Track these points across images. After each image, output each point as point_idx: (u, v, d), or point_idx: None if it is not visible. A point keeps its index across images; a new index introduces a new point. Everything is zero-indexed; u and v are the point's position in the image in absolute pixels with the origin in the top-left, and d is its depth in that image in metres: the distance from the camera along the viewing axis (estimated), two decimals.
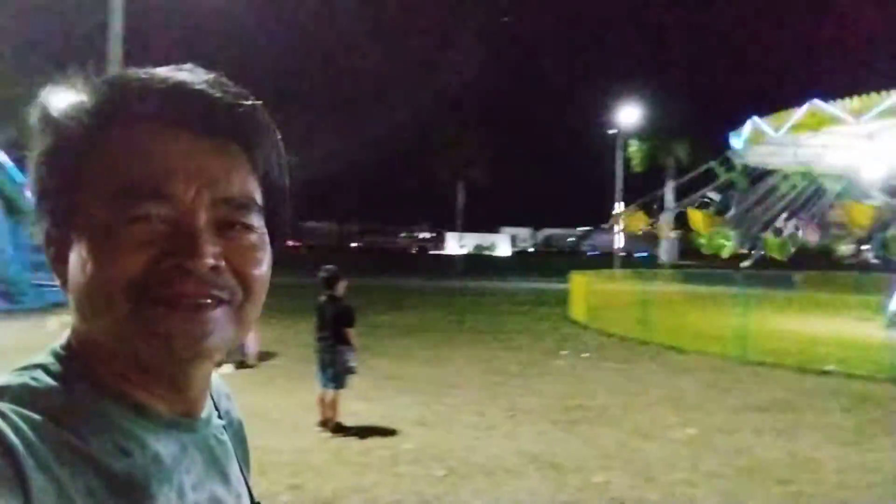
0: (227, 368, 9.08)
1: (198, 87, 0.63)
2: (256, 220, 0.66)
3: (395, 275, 31.71)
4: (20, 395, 0.57)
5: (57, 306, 12.40)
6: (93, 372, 0.62)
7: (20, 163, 18.54)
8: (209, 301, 0.61)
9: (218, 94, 0.64)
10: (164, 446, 0.63)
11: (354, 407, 6.90)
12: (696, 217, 17.79)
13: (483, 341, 12.73)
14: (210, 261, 0.60)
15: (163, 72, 0.65)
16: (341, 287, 6.63)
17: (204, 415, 0.71)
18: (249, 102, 0.66)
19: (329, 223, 76.65)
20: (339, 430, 6.32)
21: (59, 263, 0.63)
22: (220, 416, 0.76)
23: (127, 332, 0.59)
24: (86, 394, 0.60)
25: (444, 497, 4.91)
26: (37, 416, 0.55)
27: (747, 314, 12.15)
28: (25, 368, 0.62)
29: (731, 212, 17.67)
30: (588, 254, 67.57)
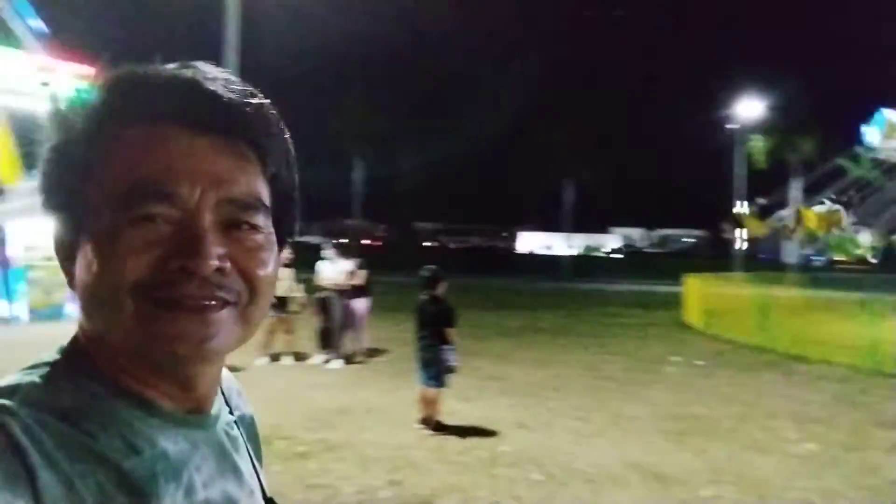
0: (337, 363, 9.42)
1: (206, 85, 0.62)
2: (263, 221, 0.64)
3: (496, 275, 31.66)
4: (29, 393, 0.57)
5: None
6: (101, 370, 0.62)
7: None
8: (214, 302, 0.60)
9: (226, 93, 0.62)
10: (173, 444, 0.63)
11: (454, 406, 6.95)
12: (811, 217, 16.59)
13: (589, 345, 12.47)
14: (215, 262, 0.59)
15: (171, 70, 0.64)
16: (442, 287, 6.70)
17: (213, 411, 0.70)
18: (258, 101, 0.65)
19: (435, 223, 77.63)
20: (439, 428, 6.39)
21: (67, 261, 0.63)
22: (231, 412, 0.75)
23: (133, 332, 0.59)
24: (94, 392, 0.60)
25: (541, 502, 4.85)
26: (46, 415, 0.55)
27: (881, 321, 11.18)
28: (34, 367, 0.62)
29: (857, 210, 16.33)
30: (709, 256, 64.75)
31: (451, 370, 6.50)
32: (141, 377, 0.63)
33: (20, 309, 13.01)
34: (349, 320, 9.74)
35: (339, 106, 45.85)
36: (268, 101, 0.66)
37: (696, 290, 16.31)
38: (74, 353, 0.63)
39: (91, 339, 0.63)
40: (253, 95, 0.65)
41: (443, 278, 6.73)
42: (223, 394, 0.75)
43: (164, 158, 0.60)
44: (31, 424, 0.54)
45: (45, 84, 15.45)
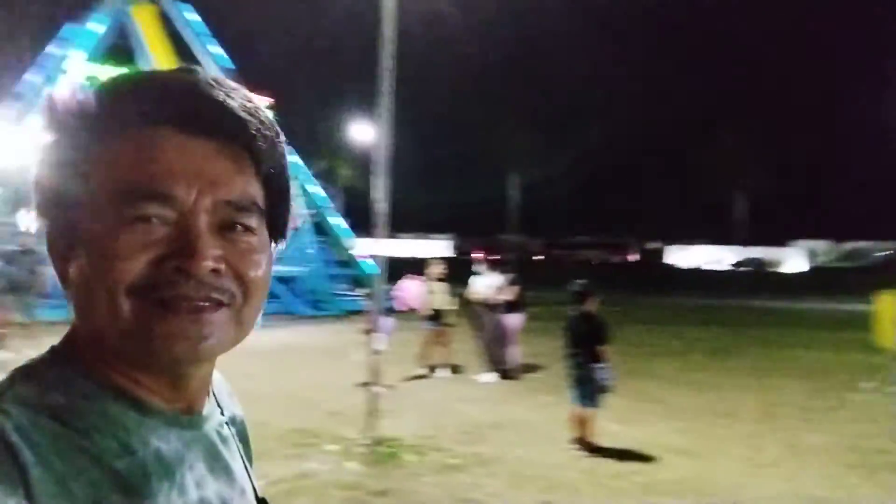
0: (491, 377, 9.46)
1: (202, 89, 0.63)
2: (257, 223, 0.66)
3: (658, 291, 30.22)
4: (21, 392, 0.58)
5: (353, 314, 14.06)
6: (93, 369, 0.63)
7: (326, 189, 21.51)
8: (209, 303, 0.61)
9: (222, 97, 0.63)
10: (165, 443, 0.63)
11: (610, 428, 6.69)
12: None
13: (763, 367, 11.50)
14: (210, 263, 0.60)
15: (167, 74, 0.65)
16: (593, 303, 6.50)
17: (205, 411, 0.71)
18: (253, 104, 0.65)
19: (589, 237, 75.45)
20: (593, 449, 6.18)
21: (62, 262, 0.64)
22: (221, 413, 0.76)
23: (129, 332, 0.60)
24: (87, 391, 0.61)
25: None
26: (38, 414, 0.56)
27: None
28: (26, 367, 0.62)
29: None
30: None
31: (605, 390, 6.28)
32: (134, 377, 0.63)
33: None
34: (502, 335, 9.76)
35: (492, 121, 46.43)
36: (263, 105, 0.66)
37: (892, 309, 14.50)
38: (67, 352, 0.64)
39: (84, 338, 0.64)
40: (248, 99, 0.66)
41: (593, 293, 6.54)
42: (214, 395, 0.76)
43: (160, 160, 0.61)
44: (23, 423, 0.54)
45: None
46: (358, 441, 6.18)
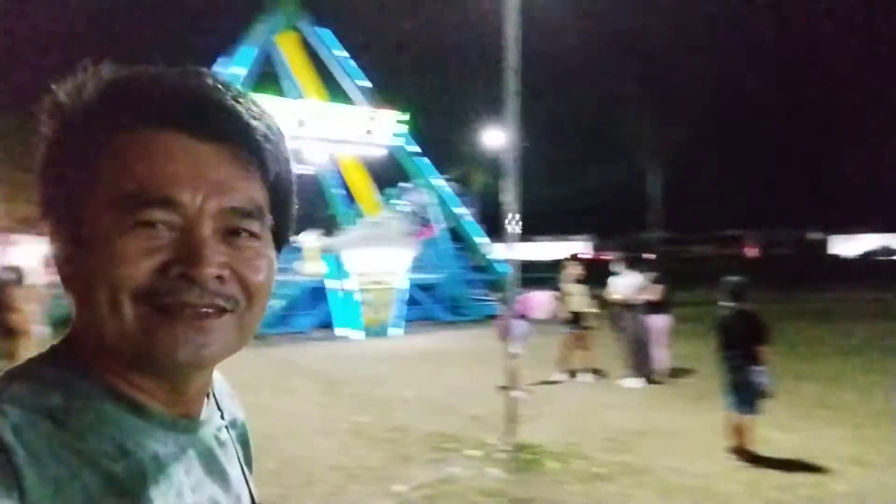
0: (636, 382, 9.06)
1: (209, 93, 0.62)
2: (261, 228, 0.65)
3: (820, 285, 27.65)
4: (18, 393, 0.57)
5: (492, 318, 14.08)
6: (92, 372, 0.62)
7: (461, 196, 21.79)
8: (213, 310, 0.60)
9: (229, 101, 0.62)
10: (162, 447, 0.62)
11: (772, 435, 6.15)
12: None
13: None
14: (214, 270, 0.60)
15: (175, 75, 0.64)
16: (747, 300, 6.01)
17: (203, 416, 0.70)
18: (259, 110, 0.64)
19: (737, 230, 70.38)
20: (753, 459, 5.69)
21: (64, 262, 0.63)
22: (222, 417, 0.75)
23: (132, 337, 0.59)
24: (85, 393, 0.60)
25: None
26: (35, 415, 0.56)
27: None
28: (26, 367, 0.62)
29: None
30: None
31: (764, 394, 5.78)
32: (133, 380, 0.63)
33: (355, 326, 15.01)
34: (646, 337, 9.31)
35: (629, 117, 44.90)
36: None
37: None
38: (66, 354, 0.63)
39: (84, 341, 0.63)
40: (255, 104, 0.64)
41: (748, 289, 6.05)
42: (214, 398, 0.75)
43: (166, 165, 0.59)
44: (19, 424, 0.54)
45: (368, 132, 17.80)
46: (499, 447, 6.12)
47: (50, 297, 12.11)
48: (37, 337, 10.25)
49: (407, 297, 15.89)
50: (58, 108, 0.63)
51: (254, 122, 0.63)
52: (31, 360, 0.63)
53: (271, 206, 0.66)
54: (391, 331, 15.20)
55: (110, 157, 0.60)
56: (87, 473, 0.55)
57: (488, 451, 6.06)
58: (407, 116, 18.50)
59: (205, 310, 0.60)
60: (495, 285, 19.26)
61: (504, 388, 6.56)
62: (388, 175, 24.07)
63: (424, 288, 17.48)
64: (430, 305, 17.54)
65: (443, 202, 19.78)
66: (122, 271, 0.58)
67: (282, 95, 18.21)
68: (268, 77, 19.84)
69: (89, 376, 0.61)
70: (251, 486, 0.77)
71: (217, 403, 0.75)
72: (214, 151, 0.61)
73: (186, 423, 0.67)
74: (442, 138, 32.25)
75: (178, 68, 0.64)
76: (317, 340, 14.61)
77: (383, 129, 18.00)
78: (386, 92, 20.26)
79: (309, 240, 18.86)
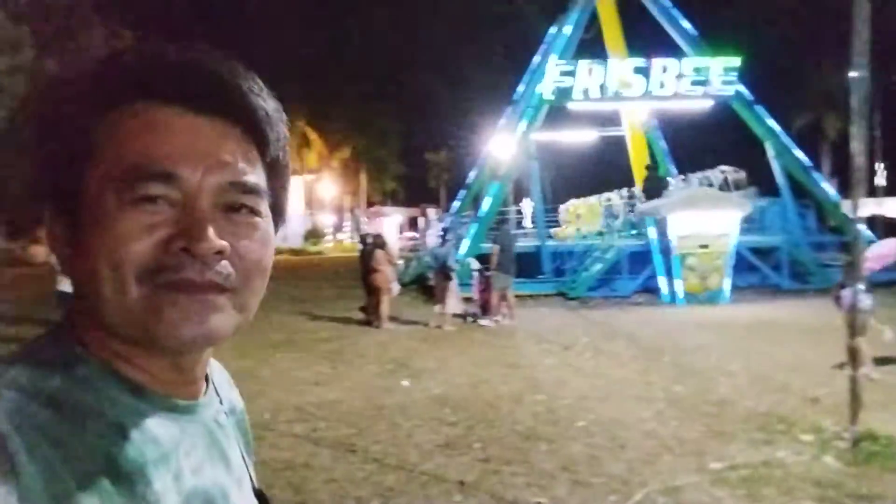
0: None
1: (209, 68, 0.62)
2: (262, 205, 0.65)
3: None
4: (16, 377, 0.57)
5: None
6: (93, 354, 0.62)
7: (810, 147, 19.24)
8: (214, 286, 0.60)
9: (230, 77, 0.62)
10: (162, 429, 0.62)
11: None
12: None
13: None
14: (215, 245, 0.59)
15: (174, 51, 0.63)
16: None
17: (204, 399, 0.69)
18: (259, 86, 0.64)
19: None
20: None
21: (63, 244, 0.62)
22: (220, 402, 0.74)
23: (134, 315, 0.59)
24: (85, 374, 0.60)
25: None
26: (32, 399, 0.55)
27: None
28: (27, 347, 0.62)
29: None
30: None
31: None
32: (134, 361, 0.63)
33: (678, 292, 14.43)
34: None
35: None
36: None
37: None
38: (67, 336, 0.63)
39: (84, 322, 0.63)
40: (254, 79, 0.64)
41: None
42: (213, 384, 0.74)
43: (166, 139, 0.60)
44: (13, 409, 0.54)
45: (695, 84, 16.75)
46: (838, 434, 5.43)
47: (404, 260, 14.00)
48: (393, 294, 12.01)
49: (735, 261, 14.70)
50: (54, 86, 0.64)
51: (255, 100, 0.63)
52: (32, 343, 0.63)
53: (270, 184, 0.67)
54: (717, 298, 14.29)
55: (108, 133, 0.60)
56: (84, 459, 0.54)
57: (825, 438, 5.41)
58: (737, 62, 16.90)
59: (207, 286, 0.60)
60: (848, 248, 16.81)
61: (843, 365, 5.76)
62: (721, 128, 22.38)
63: (761, 252, 15.98)
64: (766, 271, 16.00)
65: (782, 153, 17.74)
66: (125, 248, 0.58)
67: (604, 56, 18.07)
68: (589, 39, 19.85)
69: (89, 358, 0.61)
70: (251, 471, 0.77)
71: (216, 390, 0.75)
72: (214, 127, 0.62)
73: (187, 404, 0.66)
74: (783, 83, 28.63)
75: (182, 44, 0.65)
76: (638, 305, 14.43)
77: (712, 78, 16.74)
78: (716, 37, 18.73)
79: (567, 204, 18.58)
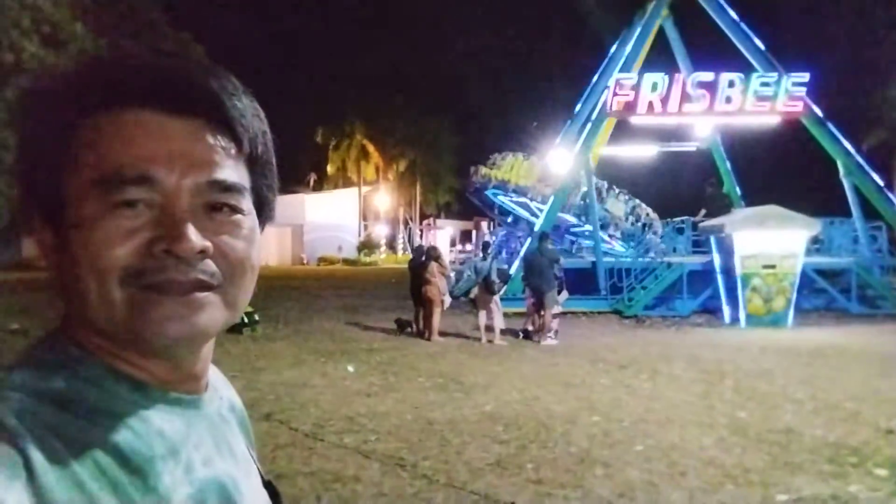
0: None
1: (180, 69, 0.63)
2: (244, 203, 0.65)
3: None
4: (20, 379, 0.58)
5: None
6: (91, 354, 0.63)
7: (881, 166, 18.45)
8: (198, 286, 0.61)
9: (202, 78, 0.63)
10: (168, 423, 0.63)
11: None
12: None
13: None
14: (196, 245, 0.60)
15: (143, 55, 0.65)
16: None
17: (207, 393, 0.71)
18: (233, 85, 0.65)
19: None
20: None
21: (52, 252, 0.63)
22: (220, 399, 0.75)
23: (121, 318, 0.60)
24: (87, 374, 0.61)
25: None
26: (38, 400, 0.56)
27: None
28: (26, 352, 0.63)
29: None
30: None
31: None
32: (132, 360, 0.63)
33: (741, 314, 13.94)
34: None
35: None
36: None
37: None
38: (64, 340, 0.64)
39: (78, 326, 0.64)
40: (228, 79, 0.65)
41: None
42: (212, 382, 0.74)
43: (142, 143, 0.60)
44: (23, 409, 0.55)
45: (762, 99, 16.27)
46: None
47: (455, 273, 13.98)
48: (445, 306, 11.96)
49: (800, 284, 14.11)
50: (30, 97, 0.65)
51: (228, 98, 0.64)
52: (30, 348, 0.64)
53: (251, 181, 0.67)
54: (781, 321, 13.74)
55: (86, 140, 0.61)
56: (95, 453, 0.56)
57: None
58: (806, 77, 16.33)
59: (191, 285, 0.61)
60: None
61: None
62: (789, 147, 21.69)
63: (828, 274, 15.33)
64: (834, 294, 15.33)
65: (854, 171, 17.02)
66: (108, 253, 0.59)
67: (668, 70, 17.75)
68: (656, 53, 19.57)
69: (89, 360, 0.62)
70: (258, 464, 0.78)
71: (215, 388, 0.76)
72: (189, 127, 0.62)
73: (191, 398, 0.68)
74: (857, 102, 27.60)
75: (152, 49, 0.66)
76: (698, 326, 14.01)
77: (778, 94, 16.22)
78: (785, 51, 18.18)
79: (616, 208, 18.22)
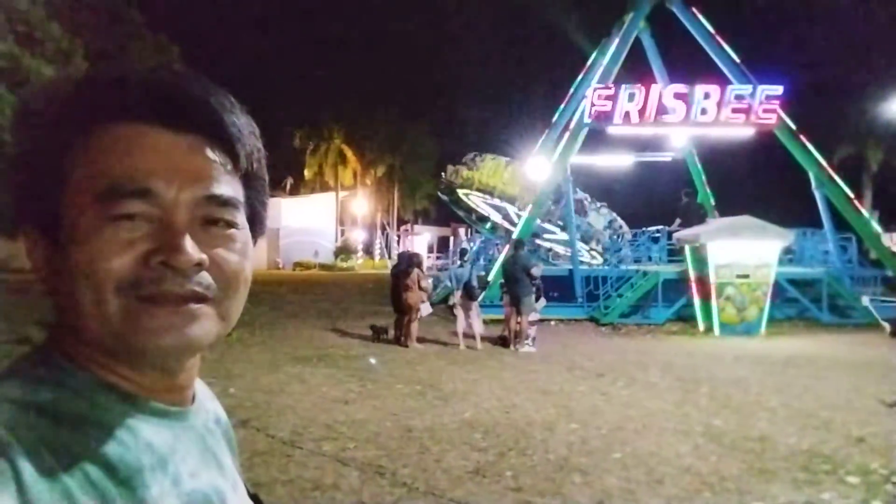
0: None
1: (180, 86, 0.64)
2: (239, 217, 0.67)
3: None
4: (8, 391, 0.58)
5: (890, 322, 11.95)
6: (81, 366, 0.63)
7: (850, 179, 18.84)
8: (193, 297, 0.62)
9: (200, 94, 0.64)
10: (156, 435, 0.63)
11: None
12: None
13: None
14: (193, 258, 0.61)
15: (145, 70, 0.66)
16: None
17: (193, 405, 0.71)
18: (230, 101, 0.66)
19: None
20: None
21: (43, 264, 0.63)
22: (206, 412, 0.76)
23: (117, 329, 0.60)
24: (75, 386, 0.61)
25: None
26: (27, 411, 0.56)
27: None
28: (13, 365, 0.63)
29: None
30: None
31: None
32: (121, 372, 0.64)
33: (714, 322, 14.10)
34: None
35: None
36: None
37: None
38: (53, 352, 0.64)
39: (69, 338, 0.64)
40: (225, 96, 0.66)
41: None
42: (198, 396, 0.75)
43: (140, 157, 0.61)
44: (11, 420, 0.55)
45: (735, 112, 16.53)
46: (888, 477, 5.19)
47: (433, 280, 13.94)
48: (422, 314, 11.95)
49: (772, 293, 14.32)
50: (28, 112, 0.65)
51: (225, 114, 0.65)
52: (18, 359, 0.64)
53: (246, 196, 0.69)
54: (754, 330, 13.94)
55: (84, 154, 0.62)
56: (84, 465, 0.56)
57: (873, 481, 5.17)
58: (779, 90, 16.63)
59: (186, 297, 0.61)
60: (891, 283, 16.31)
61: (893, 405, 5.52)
62: (763, 158, 22.06)
63: (799, 284, 15.60)
64: (805, 304, 15.60)
65: (825, 183, 17.35)
66: (105, 265, 0.59)
67: (645, 81, 17.96)
68: (633, 63, 19.78)
69: (78, 371, 0.63)
70: (242, 477, 0.79)
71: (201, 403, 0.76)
72: (187, 142, 0.63)
73: (178, 411, 0.68)
74: (828, 115, 28.16)
75: (148, 65, 0.69)
76: (673, 334, 14.14)
77: (752, 106, 16.50)
78: (758, 64, 18.49)
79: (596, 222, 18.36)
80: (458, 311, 11.67)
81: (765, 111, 16.54)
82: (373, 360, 7.87)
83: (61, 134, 0.62)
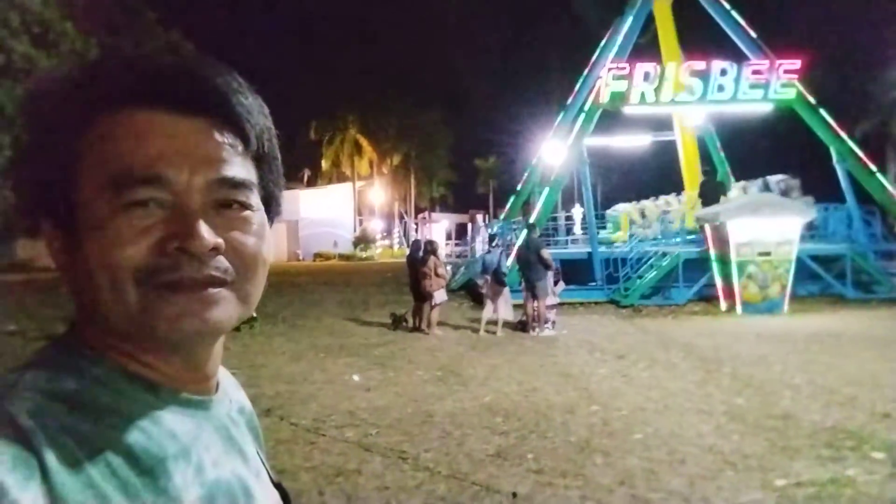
0: None
1: (186, 68, 0.64)
2: (253, 199, 0.66)
3: None
4: (33, 381, 0.58)
5: None
6: (104, 356, 0.63)
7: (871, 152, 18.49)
8: (211, 282, 0.61)
9: (207, 76, 0.64)
10: (179, 424, 0.64)
11: None
12: None
13: None
14: (209, 242, 0.60)
15: (153, 54, 0.66)
16: None
17: (216, 395, 0.71)
18: (239, 83, 0.66)
19: None
20: None
21: (62, 254, 0.63)
22: (230, 402, 0.76)
23: (136, 317, 0.60)
24: (98, 376, 0.61)
25: None
26: (51, 400, 0.57)
27: None
28: (37, 355, 0.63)
29: None
30: None
31: None
32: (144, 360, 0.64)
33: (736, 301, 13.98)
34: None
35: None
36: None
37: None
38: (76, 341, 0.64)
39: (90, 327, 0.64)
40: (232, 76, 0.66)
41: None
42: (222, 385, 0.75)
43: (151, 142, 0.61)
44: (36, 409, 0.55)
45: (754, 86, 16.28)
46: None
47: (451, 267, 13.94)
48: (436, 300, 11.98)
49: (795, 270, 14.14)
50: (35, 100, 0.65)
51: (234, 96, 0.64)
52: (42, 350, 0.64)
53: (259, 177, 0.68)
54: (777, 308, 13.79)
55: (95, 141, 0.61)
56: (107, 453, 0.56)
57: None
58: (797, 64, 16.33)
59: (204, 281, 0.61)
60: None
61: None
62: (785, 132, 21.71)
63: (823, 260, 15.39)
64: (829, 280, 15.39)
65: (847, 157, 17.06)
66: (121, 253, 0.59)
67: (660, 60, 17.73)
68: (645, 43, 19.56)
69: (101, 361, 0.63)
70: (267, 466, 0.78)
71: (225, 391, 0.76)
72: (197, 126, 0.63)
73: (201, 400, 0.68)
74: (848, 89, 27.60)
75: (155, 48, 0.69)
76: (694, 314, 14.05)
77: (770, 82, 16.24)
78: (777, 42, 18.17)
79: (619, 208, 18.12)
80: (503, 296, 11.65)
81: (782, 86, 16.27)
82: (356, 377, 8.00)
83: (69, 122, 0.61)
